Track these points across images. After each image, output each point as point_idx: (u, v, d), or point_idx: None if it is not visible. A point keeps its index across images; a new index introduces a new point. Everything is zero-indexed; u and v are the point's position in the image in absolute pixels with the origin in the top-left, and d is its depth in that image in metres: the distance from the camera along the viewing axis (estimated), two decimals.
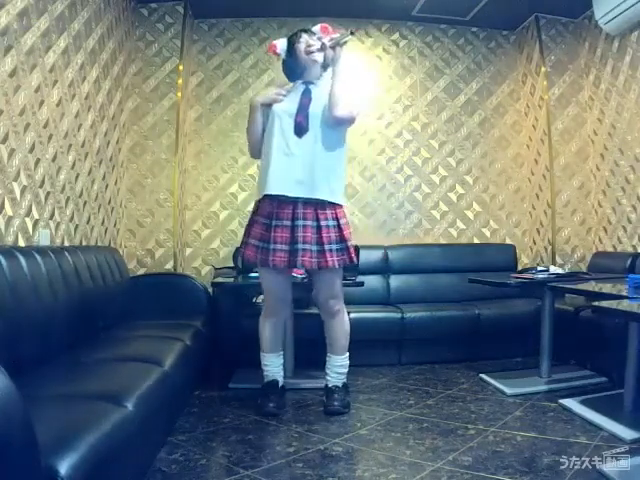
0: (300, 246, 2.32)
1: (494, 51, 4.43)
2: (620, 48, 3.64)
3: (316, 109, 2.41)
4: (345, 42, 2.39)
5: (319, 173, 2.37)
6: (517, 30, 4.39)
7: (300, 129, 2.37)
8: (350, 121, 2.42)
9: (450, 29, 4.36)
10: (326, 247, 2.34)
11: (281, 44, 2.51)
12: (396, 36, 4.31)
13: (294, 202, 2.35)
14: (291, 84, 2.52)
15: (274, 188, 2.35)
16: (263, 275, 2.52)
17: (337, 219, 2.40)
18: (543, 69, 4.08)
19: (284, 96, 2.46)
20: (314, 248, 2.34)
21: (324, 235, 2.35)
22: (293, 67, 2.49)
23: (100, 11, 3.14)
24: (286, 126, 2.39)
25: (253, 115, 2.49)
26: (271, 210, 2.37)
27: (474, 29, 4.38)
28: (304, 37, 2.45)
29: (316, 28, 2.48)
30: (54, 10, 2.52)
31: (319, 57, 2.44)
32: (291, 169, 2.35)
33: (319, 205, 2.37)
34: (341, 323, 2.54)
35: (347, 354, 2.57)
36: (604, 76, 3.84)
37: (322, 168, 2.38)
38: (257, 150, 2.54)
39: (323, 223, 2.36)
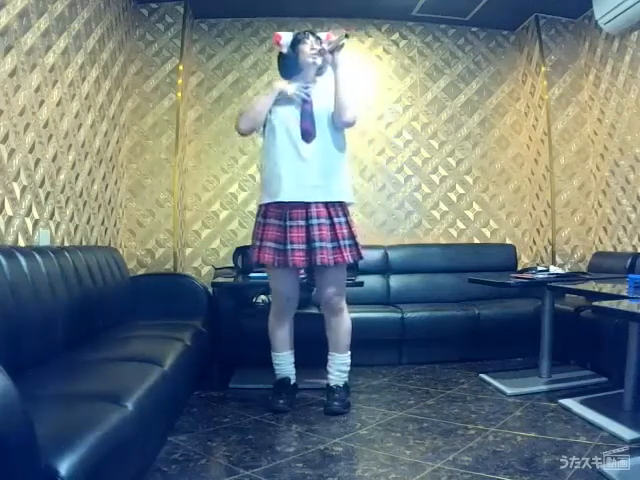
0: (317, 244, 2.36)
1: (494, 51, 4.43)
2: (620, 48, 3.64)
3: (319, 112, 2.44)
4: (342, 45, 2.41)
5: (331, 175, 2.44)
6: (517, 30, 4.39)
7: (308, 135, 2.41)
8: (354, 123, 2.50)
9: (450, 29, 4.35)
10: (341, 243, 2.40)
11: (286, 37, 2.53)
12: (396, 36, 4.31)
13: (306, 203, 2.39)
14: (293, 85, 2.50)
15: (290, 195, 2.38)
16: (274, 276, 2.54)
17: (345, 215, 2.47)
18: (543, 69, 4.08)
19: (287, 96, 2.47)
20: (329, 245, 2.38)
21: (338, 231, 2.41)
22: (291, 64, 2.51)
23: (100, 11, 3.14)
24: (293, 131, 2.41)
25: (269, 97, 2.46)
26: (282, 212, 2.40)
27: (474, 29, 4.38)
28: (311, 39, 2.48)
29: (322, 35, 2.52)
30: (54, 10, 2.52)
31: (318, 60, 2.47)
32: (305, 174, 2.39)
33: (330, 203, 2.43)
34: (344, 321, 2.57)
35: (349, 352, 2.58)
36: (604, 76, 3.84)
37: (334, 170, 2.45)
38: (251, 128, 2.49)
39: (336, 220, 2.42)
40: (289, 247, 2.36)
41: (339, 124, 2.45)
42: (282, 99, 2.46)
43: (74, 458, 1.08)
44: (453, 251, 4.09)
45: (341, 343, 2.56)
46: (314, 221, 2.38)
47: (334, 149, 2.46)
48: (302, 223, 2.38)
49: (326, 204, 2.41)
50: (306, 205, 2.39)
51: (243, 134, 2.57)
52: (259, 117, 2.46)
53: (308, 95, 2.46)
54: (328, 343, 2.58)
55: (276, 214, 2.42)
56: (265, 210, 2.45)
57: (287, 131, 2.42)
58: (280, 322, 2.58)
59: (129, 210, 3.72)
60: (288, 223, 2.38)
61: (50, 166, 2.51)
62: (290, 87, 2.47)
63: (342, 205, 2.47)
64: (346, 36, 2.39)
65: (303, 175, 2.38)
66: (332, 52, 2.42)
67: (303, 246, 2.37)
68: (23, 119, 2.24)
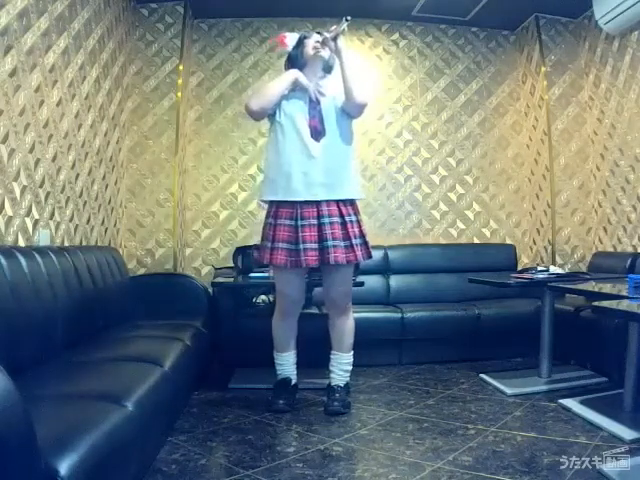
0: (330, 243, 2.34)
1: (494, 51, 4.43)
2: (620, 48, 3.64)
3: (327, 109, 2.43)
4: (344, 30, 2.39)
5: (341, 173, 2.42)
6: (517, 30, 4.39)
7: (317, 133, 2.40)
8: (367, 104, 2.46)
9: (450, 29, 4.36)
10: (353, 241, 2.39)
11: (292, 38, 2.53)
12: (396, 36, 4.31)
13: (317, 201, 2.38)
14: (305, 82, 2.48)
15: (298, 194, 2.36)
16: (282, 279, 2.51)
17: (356, 214, 2.46)
18: (543, 69, 4.08)
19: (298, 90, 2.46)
20: (342, 244, 2.37)
21: (350, 230, 2.39)
22: (296, 59, 2.50)
23: (100, 11, 3.14)
24: (302, 128, 2.39)
25: (286, 83, 2.41)
26: (293, 211, 2.38)
27: (474, 29, 4.38)
28: (315, 35, 2.48)
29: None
30: (54, 10, 2.52)
31: (325, 53, 2.45)
32: (314, 172, 2.36)
33: (341, 201, 2.41)
34: (349, 320, 2.57)
35: (352, 352, 2.58)
36: (604, 76, 3.84)
37: (342, 167, 2.44)
38: (261, 108, 2.40)
39: (347, 218, 2.40)
40: (301, 246, 2.34)
41: (354, 108, 2.42)
42: (290, 95, 2.44)
43: (74, 458, 1.08)
44: (453, 251, 4.09)
45: (345, 343, 2.56)
46: (326, 220, 2.36)
47: (343, 145, 2.44)
48: (314, 222, 2.36)
49: (337, 202, 2.40)
50: (317, 203, 2.37)
51: (253, 116, 2.46)
52: (273, 98, 2.39)
53: (321, 94, 2.45)
54: (331, 342, 2.58)
55: (287, 214, 2.39)
56: (276, 211, 2.42)
57: (295, 129, 2.39)
58: (284, 323, 2.57)
59: (129, 210, 3.72)
60: (300, 222, 2.35)
61: (50, 166, 2.51)
62: (304, 78, 2.44)
63: (353, 203, 2.46)
64: (346, 20, 2.33)
65: (312, 173, 2.36)
66: (335, 39, 2.39)
67: (315, 245, 2.35)
68: (23, 119, 2.24)
